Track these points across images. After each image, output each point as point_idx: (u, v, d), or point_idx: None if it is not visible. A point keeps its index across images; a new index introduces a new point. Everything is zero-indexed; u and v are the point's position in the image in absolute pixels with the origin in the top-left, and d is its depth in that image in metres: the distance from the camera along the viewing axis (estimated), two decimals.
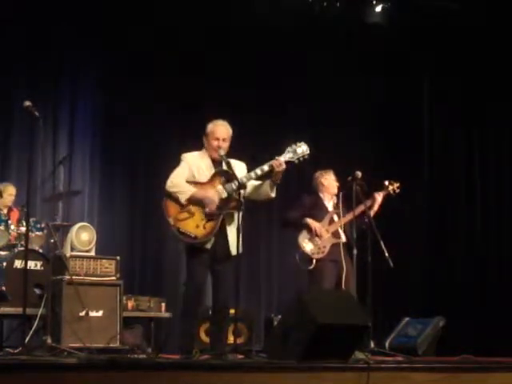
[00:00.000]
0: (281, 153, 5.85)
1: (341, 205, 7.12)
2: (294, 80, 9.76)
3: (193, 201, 5.71)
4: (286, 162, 5.81)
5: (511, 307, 8.95)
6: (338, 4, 9.55)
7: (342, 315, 5.23)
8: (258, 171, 5.77)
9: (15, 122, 8.55)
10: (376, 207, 7.11)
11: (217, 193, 5.75)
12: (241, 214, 5.61)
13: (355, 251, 6.80)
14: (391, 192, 7.29)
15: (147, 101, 9.12)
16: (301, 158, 5.88)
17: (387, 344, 7.95)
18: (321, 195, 7.24)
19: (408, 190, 9.93)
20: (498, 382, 5.19)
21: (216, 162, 5.87)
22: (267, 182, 5.81)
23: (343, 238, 7.05)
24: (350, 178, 6.96)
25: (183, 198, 5.70)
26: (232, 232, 5.74)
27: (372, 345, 6.54)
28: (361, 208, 6.96)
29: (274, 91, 9.66)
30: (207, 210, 5.70)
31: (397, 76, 10.02)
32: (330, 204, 7.23)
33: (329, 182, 7.21)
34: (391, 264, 6.82)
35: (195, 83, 9.19)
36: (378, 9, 9.66)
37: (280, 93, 9.70)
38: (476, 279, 9.49)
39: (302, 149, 5.89)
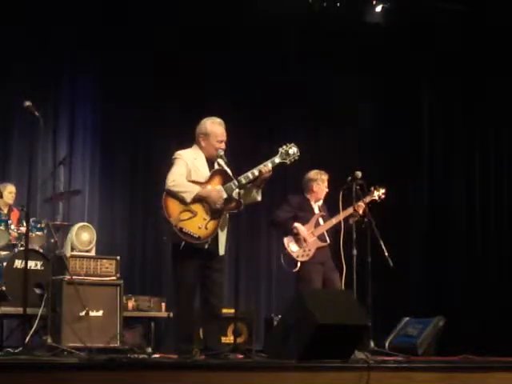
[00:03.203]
0: (274, 154, 5.88)
1: (341, 205, 7.13)
2: (294, 80, 9.77)
3: (197, 199, 5.71)
4: (279, 164, 5.86)
5: (511, 307, 8.95)
6: (338, 4, 9.55)
7: (342, 315, 5.23)
8: (250, 175, 5.78)
9: (15, 122, 8.56)
10: (356, 217, 7.07)
11: (219, 192, 5.76)
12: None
13: (355, 252, 6.80)
14: (377, 198, 7.26)
15: (147, 101, 9.13)
16: (292, 159, 5.92)
17: (387, 344, 7.95)
18: (308, 196, 7.25)
19: (408, 189, 9.99)
20: (498, 382, 5.19)
21: (210, 162, 5.87)
22: (253, 187, 5.82)
23: (328, 241, 7.09)
24: (349, 178, 6.97)
25: (189, 198, 5.65)
26: (223, 232, 5.77)
27: (372, 345, 6.54)
28: (344, 214, 6.97)
29: (274, 91, 9.65)
30: (217, 205, 5.69)
31: (397, 76, 10.02)
32: (315, 206, 7.25)
33: (319, 188, 7.21)
34: (391, 264, 6.82)
35: (195, 83, 9.19)
36: (378, 9, 9.66)
37: (280, 93, 9.69)
38: (476, 279, 9.49)
39: (293, 150, 5.93)
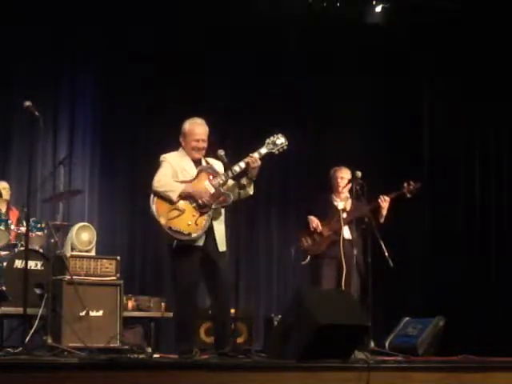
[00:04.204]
0: (261, 146, 5.90)
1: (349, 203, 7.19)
2: (294, 80, 9.77)
3: (183, 196, 5.72)
4: (267, 154, 5.87)
5: (511, 307, 8.95)
6: (338, 4, 9.55)
7: (342, 315, 5.23)
8: (237, 168, 5.80)
9: (15, 122, 8.55)
10: (384, 212, 7.08)
11: (205, 188, 5.77)
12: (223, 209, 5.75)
13: (355, 251, 6.81)
14: (406, 192, 7.22)
15: (147, 101, 9.13)
16: (280, 149, 5.95)
17: (387, 344, 7.94)
18: (332, 193, 7.29)
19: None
20: (498, 382, 5.20)
21: (196, 162, 5.89)
22: (244, 180, 5.83)
23: (346, 236, 7.05)
24: (350, 178, 6.99)
25: (174, 196, 5.69)
26: (219, 228, 5.78)
27: (372, 345, 6.54)
28: (366, 209, 6.97)
29: (274, 91, 9.66)
30: (200, 201, 5.70)
31: (397, 76, 10.01)
32: (340, 203, 7.22)
33: (336, 184, 7.24)
34: (391, 264, 6.83)
35: (195, 83, 9.19)
36: (378, 9, 9.66)
37: (280, 93, 9.69)
38: (476, 279, 9.48)
39: (281, 140, 5.97)
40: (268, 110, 9.60)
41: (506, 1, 9.19)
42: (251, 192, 5.89)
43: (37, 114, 5.63)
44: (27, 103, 5.66)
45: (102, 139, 9.19)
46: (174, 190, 5.70)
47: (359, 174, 6.91)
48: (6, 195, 7.67)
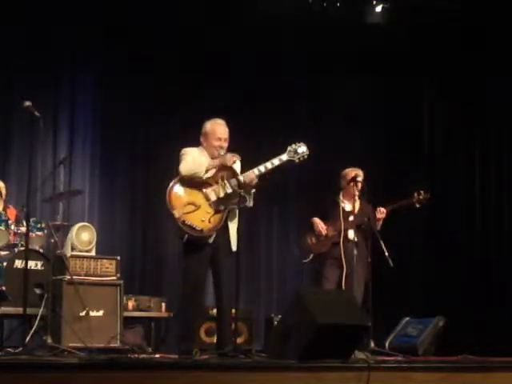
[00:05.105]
0: (282, 152, 5.99)
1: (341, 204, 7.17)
2: (294, 80, 9.76)
3: (213, 170, 5.81)
4: (288, 161, 5.97)
5: (511, 307, 8.95)
6: (338, 4, 9.55)
7: (342, 315, 5.23)
8: (256, 171, 5.88)
9: (15, 122, 8.55)
10: (380, 222, 7.12)
11: (222, 186, 5.81)
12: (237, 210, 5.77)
13: (355, 252, 6.81)
14: (415, 202, 7.24)
15: (147, 101, 9.13)
16: (301, 158, 6.05)
17: (387, 344, 7.95)
18: (339, 195, 7.27)
19: (408, 190, 9.96)
20: (498, 382, 5.19)
21: None
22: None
23: (351, 237, 7.04)
24: (350, 178, 7.00)
25: (202, 172, 5.78)
26: (233, 228, 5.83)
27: (372, 345, 6.54)
28: (372, 214, 7.01)
29: (274, 91, 9.65)
30: (229, 163, 5.81)
31: (397, 76, 10.01)
32: (348, 204, 7.20)
33: (344, 185, 7.24)
34: (391, 264, 6.83)
35: (195, 83, 9.19)
36: (378, 9, 9.65)
37: (280, 93, 9.69)
38: (476, 279, 9.48)
39: (303, 149, 6.07)
40: (268, 109, 9.61)
41: (506, 1, 9.19)
42: (250, 204, 5.94)
43: (37, 114, 5.63)
44: (27, 103, 5.66)
45: (102, 139, 9.19)
46: (201, 168, 5.77)
47: (359, 174, 6.93)
48: (4, 194, 7.67)
